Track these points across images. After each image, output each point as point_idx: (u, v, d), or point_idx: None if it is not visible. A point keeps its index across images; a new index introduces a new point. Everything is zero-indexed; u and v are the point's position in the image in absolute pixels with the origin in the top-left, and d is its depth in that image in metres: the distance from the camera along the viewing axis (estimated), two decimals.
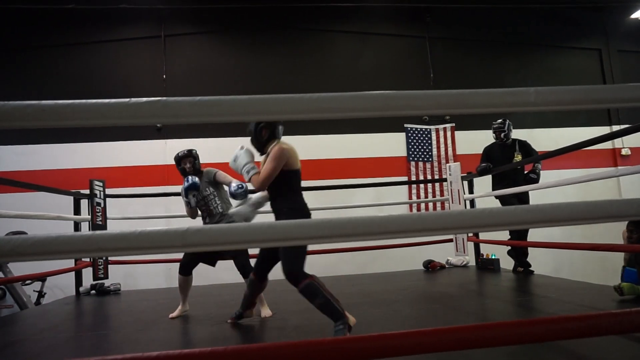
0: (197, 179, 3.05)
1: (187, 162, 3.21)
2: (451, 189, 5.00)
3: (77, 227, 4.55)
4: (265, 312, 2.98)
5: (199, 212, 3.24)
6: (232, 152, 2.52)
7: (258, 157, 2.56)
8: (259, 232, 1.10)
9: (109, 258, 4.60)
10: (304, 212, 2.49)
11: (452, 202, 4.98)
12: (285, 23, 7.34)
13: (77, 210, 4.54)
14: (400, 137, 7.30)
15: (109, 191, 4.76)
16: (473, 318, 2.65)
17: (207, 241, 1.07)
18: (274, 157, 2.40)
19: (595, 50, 8.16)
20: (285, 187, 2.46)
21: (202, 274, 6.07)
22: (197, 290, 4.44)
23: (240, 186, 2.67)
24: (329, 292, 2.24)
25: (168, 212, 6.26)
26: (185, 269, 3.15)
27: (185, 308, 3.15)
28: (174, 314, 3.07)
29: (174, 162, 3.34)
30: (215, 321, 2.88)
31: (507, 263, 4.71)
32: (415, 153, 7.28)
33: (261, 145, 2.54)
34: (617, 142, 7.62)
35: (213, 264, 3.22)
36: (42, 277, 5.34)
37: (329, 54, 7.51)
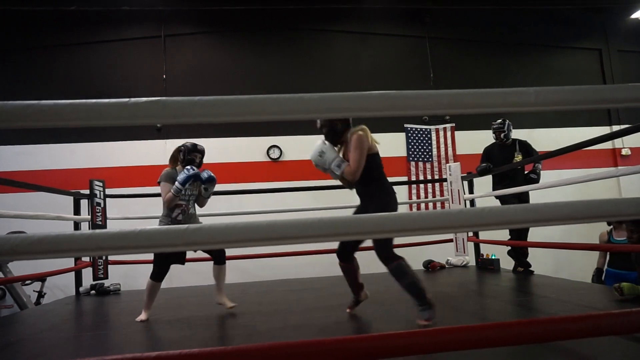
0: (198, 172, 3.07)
1: (198, 156, 3.24)
2: (451, 189, 5.00)
3: (77, 227, 4.55)
4: (228, 303, 3.12)
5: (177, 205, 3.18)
6: (313, 147, 2.61)
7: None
8: (258, 231, 1.10)
9: (109, 258, 4.60)
10: (392, 192, 2.66)
11: (452, 202, 4.98)
12: (285, 23, 7.35)
13: (77, 210, 4.54)
14: (400, 137, 7.29)
15: (109, 191, 4.75)
16: (473, 318, 2.65)
17: (206, 240, 1.07)
18: (357, 146, 2.49)
19: (595, 50, 8.16)
20: (372, 170, 2.56)
21: (202, 273, 6.08)
22: (196, 291, 4.45)
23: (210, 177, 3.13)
24: (416, 275, 2.41)
25: None
26: (160, 277, 3.15)
27: (149, 313, 3.07)
28: (143, 318, 2.99)
29: (179, 147, 3.26)
30: (215, 321, 2.87)
31: (507, 263, 4.70)
32: (415, 153, 7.28)
33: (337, 136, 2.61)
34: (617, 142, 7.61)
35: (183, 263, 3.26)
36: (42, 277, 5.34)
37: (329, 54, 7.51)
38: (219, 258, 3.24)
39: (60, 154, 6.53)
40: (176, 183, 2.97)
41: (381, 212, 2.28)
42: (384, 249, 2.49)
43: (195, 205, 3.29)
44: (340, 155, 2.61)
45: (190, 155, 3.16)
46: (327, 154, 2.55)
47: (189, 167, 3.01)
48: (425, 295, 2.36)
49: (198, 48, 7.21)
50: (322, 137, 2.62)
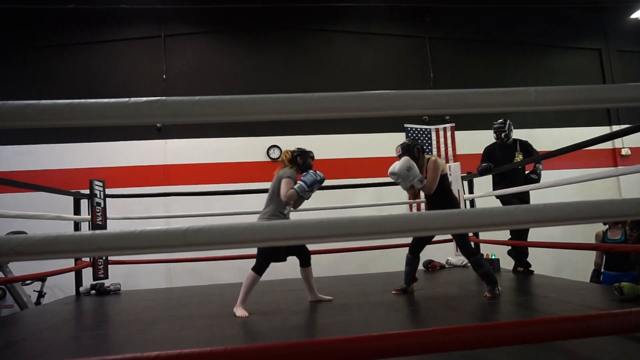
0: None
1: (311, 161, 3.37)
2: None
3: (77, 227, 4.54)
4: (324, 297, 3.35)
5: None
6: (399, 161, 3.30)
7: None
8: (258, 232, 1.10)
9: (109, 258, 4.60)
10: (456, 203, 3.53)
11: None
12: (285, 23, 7.35)
13: (77, 210, 4.54)
14: (400, 137, 7.28)
15: (109, 191, 4.75)
16: (473, 318, 2.65)
17: (206, 240, 1.06)
18: (434, 168, 3.31)
19: (595, 50, 8.16)
20: (443, 187, 3.37)
21: (202, 274, 6.09)
22: (197, 290, 4.45)
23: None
24: (488, 266, 3.26)
25: (168, 212, 6.27)
26: (261, 271, 3.14)
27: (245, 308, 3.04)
28: (243, 314, 2.94)
29: (295, 152, 3.34)
30: (215, 321, 2.87)
31: (507, 263, 4.70)
32: None
33: (415, 160, 3.33)
34: (617, 142, 7.62)
35: (284, 259, 3.28)
36: (42, 277, 5.34)
37: (329, 54, 7.51)
38: (304, 261, 3.35)
39: (60, 154, 6.53)
40: (301, 183, 3.11)
41: None
42: (468, 246, 3.27)
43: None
44: None
45: (308, 160, 3.33)
46: (414, 170, 3.23)
47: (314, 171, 3.19)
48: (495, 280, 3.12)
49: (198, 48, 7.21)
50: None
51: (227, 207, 5.57)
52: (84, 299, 4.28)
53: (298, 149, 3.36)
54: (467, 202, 5.00)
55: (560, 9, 7.94)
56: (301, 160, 3.29)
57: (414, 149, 3.36)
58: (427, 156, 3.41)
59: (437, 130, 7.36)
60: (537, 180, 4.48)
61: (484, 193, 4.89)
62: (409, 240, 4.85)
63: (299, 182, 3.12)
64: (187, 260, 5.28)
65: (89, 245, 1.03)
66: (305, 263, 3.35)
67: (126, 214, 5.21)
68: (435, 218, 1.19)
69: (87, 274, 4.54)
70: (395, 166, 3.27)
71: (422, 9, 7.48)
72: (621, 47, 8.17)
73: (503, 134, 4.67)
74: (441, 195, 3.35)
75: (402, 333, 1.17)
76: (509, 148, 4.69)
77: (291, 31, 7.40)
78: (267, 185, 7.07)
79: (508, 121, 4.71)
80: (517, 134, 4.90)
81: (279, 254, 3.19)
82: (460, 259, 5.16)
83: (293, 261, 5.15)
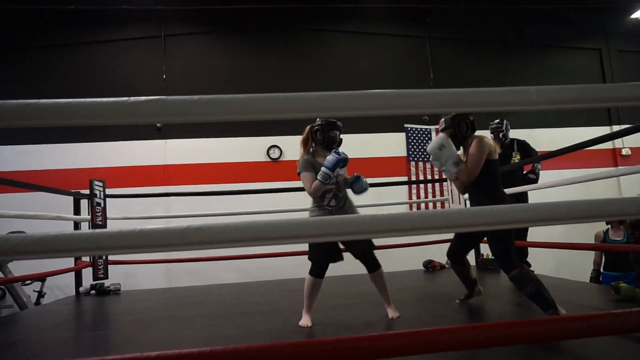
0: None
1: (338, 134, 2.74)
2: (451, 189, 5.00)
3: (77, 227, 4.54)
4: (392, 313, 2.71)
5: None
6: (433, 139, 2.57)
7: None
8: (258, 231, 1.10)
9: (109, 258, 4.60)
10: (502, 200, 2.50)
11: (452, 202, 4.98)
12: (285, 23, 7.35)
13: (77, 210, 4.53)
14: (400, 137, 7.29)
15: (109, 191, 4.75)
16: (473, 318, 2.64)
17: (206, 240, 1.06)
18: (478, 148, 2.48)
19: (595, 50, 8.17)
20: (485, 177, 2.51)
21: (202, 274, 6.08)
22: (196, 290, 4.45)
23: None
24: (538, 282, 2.29)
25: (168, 212, 6.27)
26: (319, 272, 2.73)
27: (311, 317, 2.68)
28: (305, 323, 2.60)
29: (313, 125, 2.73)
30: (215, 321, 2.87)
31: None
32: (415, 153, 7.28)
33: (462, 138, 2.59)
34: (618, 142, 7.62)
35: (335, 260, 2.78)
36: (42, 277, 5.33)
37: (329, 54, 7.51)
38: (369, 267, 2.81)
39: (60, 154, 6.54)
40: (323, 168, 2.55)
41: None
42: (504, 257, 2.38)
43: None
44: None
45: (331, 133, 2.69)
46: (447, 149, 2.50)
47: (335, 149, 2.58)
48: (550, 300, 2.24)
49: (198, 48, 7.21)
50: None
51: (227, 207, 5.57)
52: (83, 299, 4.27)
53: (319, 122, 2.70)
54: (467, 202, 4.99)
55: (561, 9, 7.94)
56: (321, 135, 2.67)
57: (461, 123, 2.57)
58: (475, 135, 2.58)
59: (437, 130, 7.35)
60: (535, 180, 4.47)
61: None
62: (409, 240, 4.86)
63: (322, 169, 2.56)
64: (186, 260, 5.28)
65: (88, 244, 1.03)
66: (369, 269, 2.84)
67: (126, 214, 5.21)
68: (434, 218, 1.19)
69: (87, 274, 4.54)
70: (430, 143, 2.57)
71: (422, 9, 7.48)
72: (621, 47, 8.18)
73: (501, 134, 4.67)
74: (487, 189, 2.52)
75: (402, 333, 1.16)
76: (507, 148, 4.69)
77: (291, 31, 7.40)
78: (267, 185, 7.08)
79: (505, 121, 4.71)
80: (517, 134, 4.90)
81: (331, 252, 2.72)
82: None
83: (294, 261, 5.15)
